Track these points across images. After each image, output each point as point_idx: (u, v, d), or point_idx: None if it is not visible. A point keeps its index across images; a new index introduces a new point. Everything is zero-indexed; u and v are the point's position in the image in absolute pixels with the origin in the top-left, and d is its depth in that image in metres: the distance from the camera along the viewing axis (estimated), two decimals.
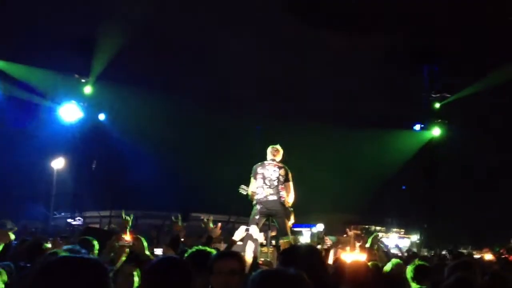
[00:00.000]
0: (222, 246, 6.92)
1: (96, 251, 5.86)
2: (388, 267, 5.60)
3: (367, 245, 7.25)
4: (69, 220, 26.24)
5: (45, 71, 26.53)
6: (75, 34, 27.39)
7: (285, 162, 9.02)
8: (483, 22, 26.67)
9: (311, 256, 3.25)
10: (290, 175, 8.75)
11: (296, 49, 32.35)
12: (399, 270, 5.18)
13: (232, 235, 7.10)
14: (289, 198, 8.63)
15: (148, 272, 3.11)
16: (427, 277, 4.62)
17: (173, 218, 7.44)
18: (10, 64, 25.88)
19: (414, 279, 4.78)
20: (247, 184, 8.74)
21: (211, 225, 6.75)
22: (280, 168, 8.63)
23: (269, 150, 8.80)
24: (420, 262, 4.95)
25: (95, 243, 5.83)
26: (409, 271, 4.89)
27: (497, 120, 29.56)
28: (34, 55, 26.71)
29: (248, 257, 6.18)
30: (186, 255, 4.83)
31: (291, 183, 8.67)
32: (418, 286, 4.72)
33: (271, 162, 8.67)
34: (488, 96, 27.90)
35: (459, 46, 28.73)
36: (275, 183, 8.48)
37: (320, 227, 27.47)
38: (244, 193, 8.76)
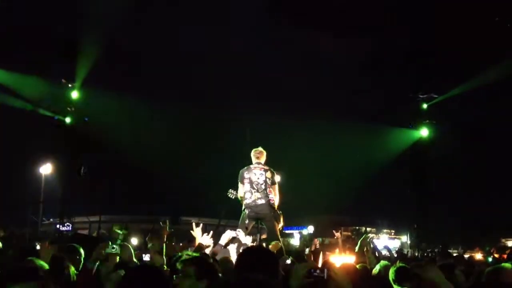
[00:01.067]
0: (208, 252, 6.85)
1: (82, 258, 5.77)
2: (376, 269, 5.58)
3: (356, 248, 7.22)
4: (58, 226, 25.98)
5: (31, 77, 26.34)
6: (60, 39, 27.28)
7: (275, 165, 8.98)
8: (471, 23, 26.87)
9: (267, 258, 3.24)
10: (276, 177, 8.73)
11: (281, 48, 32.45)
12: (387, 272, 5.15)
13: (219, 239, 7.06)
14: (276, 200, 8.58)
15: (124, 281, 3.11)
16: (408, 279, 4.61)
17: (161, 223, 7.37)
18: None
19: (396, 281, 4.77)
20: (233, 188, 8.69)
21: (198, 232, 6.70)
22: (266, 170, 8.58)
23: (253, 153, 8.75)
24: (401, 264, 4.95)
25: (81, 250, 5.74)
26: (391, 273, 4.89)
27: (485, 121, 29.78)
28: (19, 61, 26.56)
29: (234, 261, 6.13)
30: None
31: (276, 186, 8.64)
32: (399, 287, 4.70)
33: (256, 165, 8.62)
34: (476, 96, 28.11)
35: (446, 47, 28.93)
36: (263, 186, 8.43)
37: (310, 229, 27.47)
38: (232, 197, 8.70)
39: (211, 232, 6.94)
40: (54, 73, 27.31)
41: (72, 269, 4.91)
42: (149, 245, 9.30)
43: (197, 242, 6.68)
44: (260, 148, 8.81)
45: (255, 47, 31.67)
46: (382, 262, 5.78)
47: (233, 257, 6.13)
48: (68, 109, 27.73)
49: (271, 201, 8.53)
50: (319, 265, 7.08)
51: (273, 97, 32.93)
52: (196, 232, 6.71)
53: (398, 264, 5.02)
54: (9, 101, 26.13)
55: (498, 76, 24.53)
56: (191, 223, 6.92)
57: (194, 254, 5.02)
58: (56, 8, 28.07)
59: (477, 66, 26.54)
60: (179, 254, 6.85)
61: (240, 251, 7.26)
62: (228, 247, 6.81)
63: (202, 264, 3.60)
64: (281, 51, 32.45)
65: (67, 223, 27.42)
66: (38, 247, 5.32)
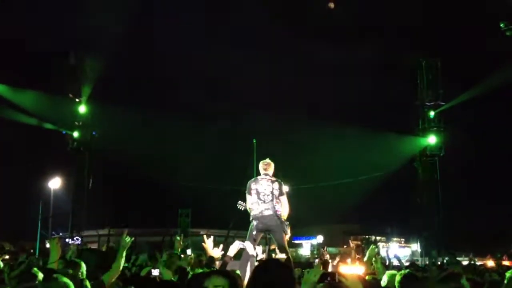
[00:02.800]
0: (218, 264, 6.82)
1: (84, 273, 5.73)
2: (384, 281, 5.54)
3: (365, 259, 7.17)
4: (67, 240, 26.07)
5: (37, 93, 26.62)
6: (66, 55, 27.58)
7: (282, 175, 8.96)
8: (476, 32, 26.90)
9: (281, 272, 3.25)
10: (284, 187, 8.70)
11: (288, 58, 32.55)
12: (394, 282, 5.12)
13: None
14: (284, 211, 8.56)
15: None
16: (412, 285, 4.59)
17: (177, 237, 7.41)
18: (4, 87, 25.96)
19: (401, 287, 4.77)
20: (242, 200, 8.69)
21: (209, 244, 6.70)
22: (273, 182, 8.55)
23: (260, 165, 8.74)
24: (406, 271, 4.94)
25: (82, 264, 5.72)
26: (397, 280, 4.88)
27: (495, 126, 29.58)
28: (27, 78, 26.84)
29: (244, 274, 6.11)
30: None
31: (285, 197, 8.61)
32: None
33: (264, 177, 8.61)
34: (484, 101, 28.00)
35: (453, 55, 28.96)
36: (269, 197, 8.40)
37: (320, 239, 27.31)
38: (242, 208, 8.70)
39: (221, 245, 6.94)
40: (60, 88, 27.57)
41: None
42: (161, 259, 9.31)
43: (208, 254, 6.69)
44: (267, 160, 8.80)
45: (258, 53, 31.78)
46: (389, 273, 5.74)
47: (241, 269, 6.11)
48: (76, 123, 27.95)
49: (277, 212, 8.51)
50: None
51: (280, 105, 32.95)
52: (208, 244, 6.71)
53: (404, 271, 5.02)
54: (17, 117, 26.38)
55: (504, 80, 24.45)
56: (201, 234, 6.92)
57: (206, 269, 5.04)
58: (58, 21, 28.36)
59: (482, 71, 26.46)
60: (190, 268, 6.87)
61: (249, 263, 7.24)
62: (236, 260, 6.79)
63: (233, 279, 3.63)
64: (285, 57, 32.51)
65: (76, 237, 27.53)
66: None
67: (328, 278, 3.29)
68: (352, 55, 30.20)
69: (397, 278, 4.88)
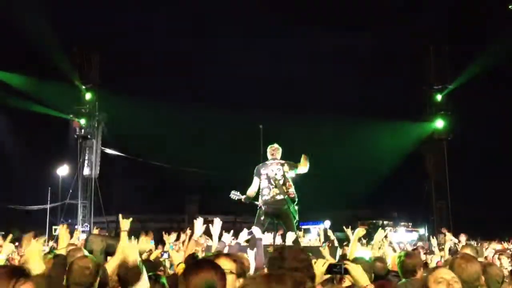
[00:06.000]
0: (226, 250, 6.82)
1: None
2: (390, 264, 5.56)
3: (373, 242, 7.19)
4: (76, 227, 26.24)
5: (44, 81, 26.63)
6: (71, 43, 27.59)
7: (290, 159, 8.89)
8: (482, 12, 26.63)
9: (297, 258, 3.24)
10: (294, 163, 8.60)
11: (288, 43, 32.41)
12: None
13: (236, 237, 7.05)
14: (304, 169, 8.51)
15: None
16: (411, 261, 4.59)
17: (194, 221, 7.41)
18: (8, 74, 25.97)
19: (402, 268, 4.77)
20: (249, 185, 8.62)
21: (216, 229, 6.69)
22: (282, 165, 8.51)
23: (268, 150, 8.68)
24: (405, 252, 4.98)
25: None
26: (397, 261, 4.87)
27: (502, 107, 29.16)
28: (32, 65, 26.85)
29: (252, 259, 6.12)
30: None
31: (301, 163, 8.53)
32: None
33: (272, 161, 8.57)
34: (490, 82, 27.65)
35: (458, 37, 28.70)
36: (281, 182, 8.37)
37: (327, 224, 27.33)
38: (236, 198, 8.61)
39: (232, 231, 6.92)
40: (67, 76, 27.59)
41: None
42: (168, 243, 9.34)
43: (214, 240, 6.65)
44: (275, 145, 8.74)
45: (263, 43, 31.69)
46: (395, 255, 5.75)
47: (250, 256, 6.10)
48: (83, 110, 28.02)
49: (291, 195, 8.46)
50: (337, 260, 7.06)
51: (286, 93, 32.88)
52: (215, 229, 6.67)
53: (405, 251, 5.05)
54: (24, 104, 26.45)
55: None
56: (210, 220, 6.86)
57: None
58: (65, 11, 28.32)
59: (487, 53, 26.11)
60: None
61: (256, 247, 7.25)
62: (245, 246, 6.80)
63: (241, 263, 3.62)
64: (288, 46, 32.33)
65: (86, 224, 27.73)
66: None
67: (337, 267, 3.29)
68: (356, 42, 30.04)
69: (397, 260, 4.88)
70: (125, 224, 4.95)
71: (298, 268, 3.11)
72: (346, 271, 3.22)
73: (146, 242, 5.69)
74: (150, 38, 32.02)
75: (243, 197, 8.57)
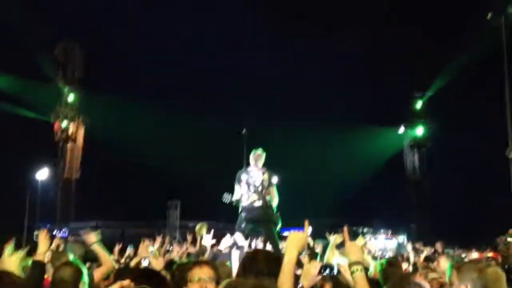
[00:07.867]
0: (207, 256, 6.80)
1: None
2: (371, 272, 5.58)
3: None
4: (54, 232, 25.87)
5: (25, 81, 26.28)
6: (53, 42, 27.29)
7: (270, 166, 8.93)
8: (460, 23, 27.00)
9: (270, 262, 3.24)
10: (274, 179, 8.69)
11: (273, 47, 32.50)
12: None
13: (218, 243, 7.04)
14: (274, 202, 8.55)
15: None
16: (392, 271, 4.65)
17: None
18: None
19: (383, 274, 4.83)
20: (231, 190, 8.64)
21: (204, 232, 6.69)
22: (263, 173, 8.54)
23: (251, 156, 8.71)
24: (387, 259, 5.01)
25: (70, 256, 5.67)
26: (379, 269, 4.92)
27: (479, 116, 29.44)
28: (13, 64, 26.46)
29: (234, 264, 6.10)
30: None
31: (275, 188, 8.60)
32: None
33: (254, 167, 8.59)
34: (467, 87, 27.95)
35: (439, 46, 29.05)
36: (260, 188, 8.40)
37: (308, 231, 27.34)
38: (227, 201, 8.61)
39: (212, 230, 6.93)
40: (49, 76, 27.27)
41: None
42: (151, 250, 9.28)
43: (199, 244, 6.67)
44: (259, 151, 8.74)
45: (249, 46, 31.71)
46: (377, 262, 5.79)
47: (233, 262, 6.09)
48: (64, 113, 27.75)
49: (268, 204, 8.50)
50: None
51: (267, 97, 32.89)
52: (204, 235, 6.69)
53: (386, 259, 5.08)
54: (3, 106, 26.09)
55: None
56: (191, 226, 6.88)
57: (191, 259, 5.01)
58: (47, 9, 28.01)
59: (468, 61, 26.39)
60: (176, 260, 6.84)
61: (238, 254, 7.24)
62: (228, 251, 6.79)
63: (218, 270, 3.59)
64: (273, 50, 32.39)
65: (64, 229, 27.36)
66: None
67: (328, 269, 3.30)
68: (339, 46, 30.17)
69: (379, 267, 4.91)
70: (91, 238, 4.94)
71: (269, 273, 3.11)
72: (339, 271, 3.25)
73: (146, 249, 5.75)
74: (135, 39, 31.84)
75: (234, 200, 8.59)
